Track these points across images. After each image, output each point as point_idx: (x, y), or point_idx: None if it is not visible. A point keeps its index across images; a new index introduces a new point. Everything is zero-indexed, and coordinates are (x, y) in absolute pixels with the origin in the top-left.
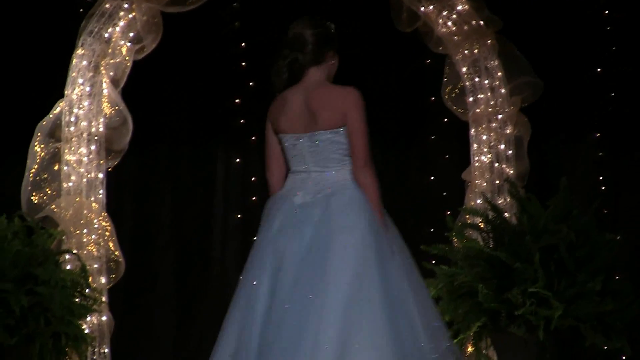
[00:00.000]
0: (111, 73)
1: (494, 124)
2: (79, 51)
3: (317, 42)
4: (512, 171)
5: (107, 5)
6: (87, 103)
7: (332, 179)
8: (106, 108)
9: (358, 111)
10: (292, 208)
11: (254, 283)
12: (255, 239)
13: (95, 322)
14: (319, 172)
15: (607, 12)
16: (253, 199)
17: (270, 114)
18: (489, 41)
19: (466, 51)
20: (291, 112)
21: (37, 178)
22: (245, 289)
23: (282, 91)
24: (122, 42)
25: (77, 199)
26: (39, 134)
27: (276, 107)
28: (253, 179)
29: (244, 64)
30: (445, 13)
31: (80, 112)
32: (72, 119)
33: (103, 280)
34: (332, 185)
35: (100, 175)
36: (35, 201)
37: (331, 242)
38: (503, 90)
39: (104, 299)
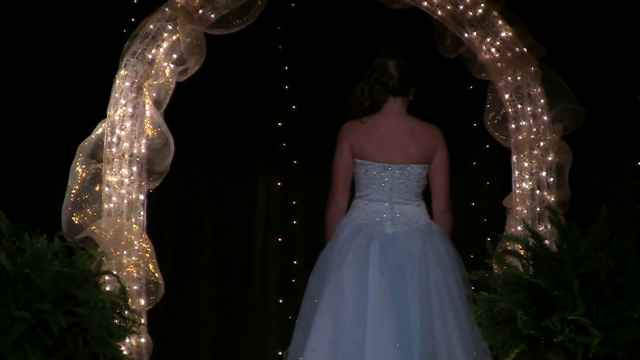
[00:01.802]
0: (154, 94)
1: (535, 151)
2: (122, 72)
3: (404, 75)
4: (553, 198)
5: (151, 27)
6: (129, 124)
7: (416, 212)
8: (148, 129)
9: (446, 151)
10: (385, 237)
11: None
12: (326, 256)
13: (134, 343)
14: (402, 204)
15: None
16: (294, 222)
17: (350, 136)
18: (532, 68)
19: (509, 78)
20: (382, 140)
21: (78, 199)
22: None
23: (361, 116)
24: (165, 64)
25: (118, 220)
26: (80, 155)
27: (360, 131)
28: (294, 202)
29: (286, 87)
30: (488, 39)
31: (122, 133)
32: (114, 139)
33: (142, 302)
34: (419, 220)
35: (141, 197)
36: (76, 222)
37: (432, 278)
38: (545, 118)
39: (143, 320)
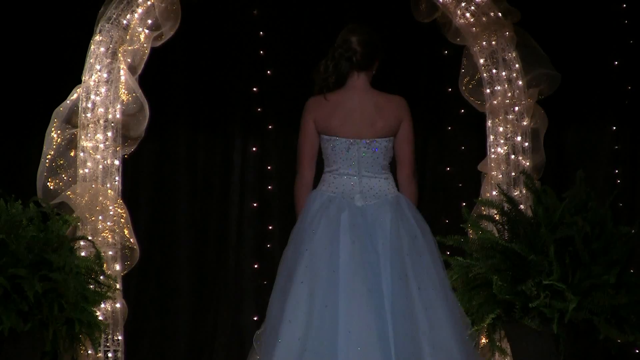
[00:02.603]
0: (129, 60)
1: (510, 116)
2: (97, 37)
3: (366, 49)
4: (528, 163)
5: None
6: (104, 89)
7: (384, 185)
8: (123, 95)
9: (411, 120)
10: (355, 209)
11: (333, 272)
12: (298, 229)
13: (109, 309)
14: (370, 177)
15: (625, 4)
16: (269, 187)
17: (314, 112)
18: (507, 33)
19: (484, 42)
20: (346, 115)
21: (53, 164)
22: (318, 277)
23: (325, 92)
24: (140, 29)
25: (93, 186)
26: (55, 120)
27: (324, 107)
28: (269, 167)
29: (262, 52)
30: (463, 4)
31: (97, 98)
32: (89, 105)
33: (117, 267)
34: (388, 193)
35: (117, 162)
36: (51, 187)
37: (405, 246)
38: (520, 82)
39: (118, 286)
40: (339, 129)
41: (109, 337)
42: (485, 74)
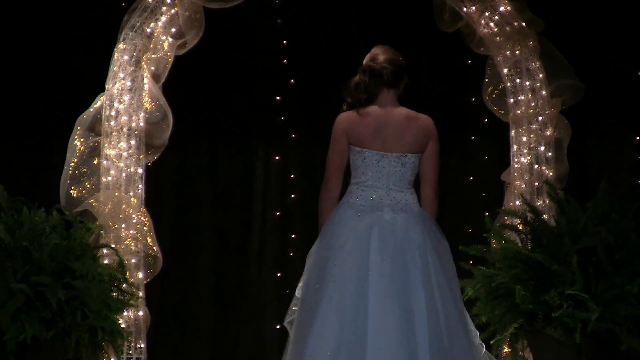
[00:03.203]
0: (152, 68)
1: (534, 126)
2: (121, 45)
3: (395, 68)
4: (551, 173)
5: (149, 0)
6: (128, 97)
7: (410, 200)
8: (147, 103)
9: (438, 140)
10: (384, 222)
11: (361, 286)
12: (324, 239)
13: (131, 317)
14: (397, 190)
15: None
16: (292, 196)
17: (345, 125)
18: (531, 43)
19: (508, 52)
20: (378, 129)
21: (77, 172)
22: (345, 291)
23: (356, 107)
24: (164, 37)
25: (116, 194)
26: (79, 128)
27: (356, 120)
28: (292, 176)
29: (285, 61)
30: (487, 14)
31: (121, 106)
32: (113, 113)
33: (140, 275)
34: (414, 207)
35: (140, 170)
36: (74, 195)
37: (431, 262)
38: (544, 92)
39: (141, 294)
40: (371, 141)
41: (132, 345)
42: (508, 84)
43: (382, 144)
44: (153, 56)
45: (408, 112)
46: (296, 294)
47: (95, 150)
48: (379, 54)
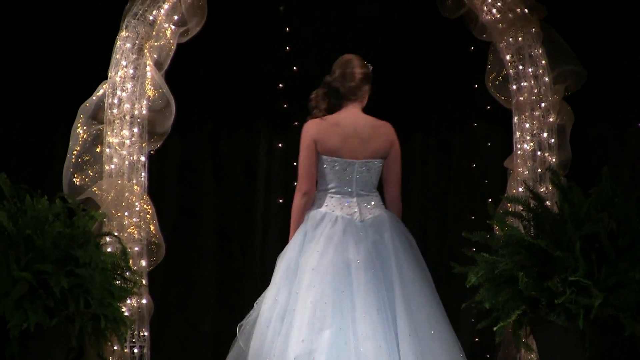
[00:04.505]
0: (155, 56)
1: (537, 112)
2: (123, 33)
3: (358, 82)
4: (554, 159)
5: None
6: (130, 85)
7: (377, 202)
8: (149, 91)
9: (399, 144)
10: (355, 225)
11: (343, 292)
12: (297, 244)
13: (135, 304)
14: (365, 195)
15: None
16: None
17: (314, 133)
18: (533, 29)
19: (510, 39)
20: (344, 137)
21: (79, 160)
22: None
23: (320, 116)
24: (167, 25)
25: (119, 182)
26: (81, 116)
27: (323, 128)
28: (295, 163)
29: (287, 48)
30: (490, 0)
31: (123, 94)
32: (115, 101)
33: (143, 263)
34: (380, 208)
35: (143, 158)
36: (77, 183)
37: (402, 257)
38: (546, 79)
39: (144, 281)
40: (338, 150)
41: (135, 332)
42: (511, 71)
43: (349, 152)
44: (155, 44)
45: (372, 121)
46: (257, 302)
47: (98, 139)
48: (340, 68)
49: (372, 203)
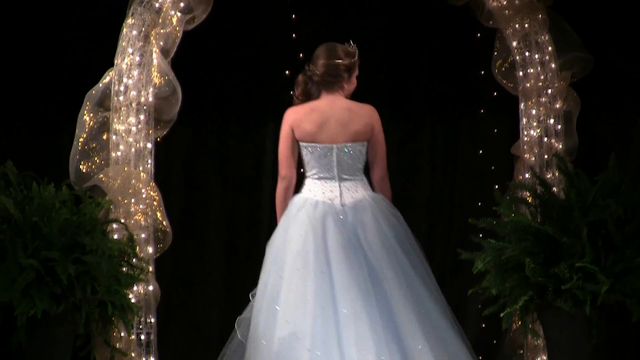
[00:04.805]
0: (161, 43)
1: (543, 99)
2: (129, 20)
3: (330, 73)
4: (561, 146)
5: None
6: (137, 73)
7: (361, 186)
8: (156, 78)
9: (381, 126)
10: (337, 210)
11: (323, 272)
12: (282, 230)
13: (141, 291)
14: (348, 180)
15: None
16: (301, 170)
17: (291, 120)
18: (540, 16)
19: (517, 25)
20: (322, 123)
21: (86, 147)
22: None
23: (302, 102)
24: (173, 12)
25: (126, 169)
26: (88, 103)
27: (301, 117)
28: None
29: (294, 35)
30: None
31: (130, 81)
32: (122, 88)
33: (150, 250)
34: (365, 192)
35: (149, 145)
36: (84, 170)
37: (386, 238)
38: (553, 65)
39: (150, 268)
40: (316, 136)
41: (142, 319)
42: (518, 57)
43: (327, 136)
44: (162, 31)
45: (351, 105)
46: (252, 293)
47: (104, 126)
48: (318, 57)
49: (357, 187)
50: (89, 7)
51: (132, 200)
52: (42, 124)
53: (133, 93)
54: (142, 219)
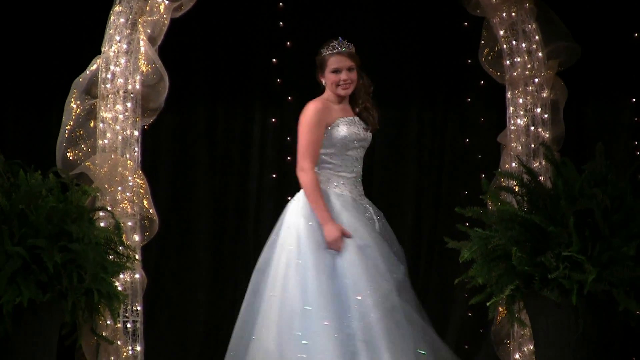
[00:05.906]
0: (148, 30)
1: (530, 88)
2: (117, 8)
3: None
4: (547, 135)
5: None
6: (124, 60)
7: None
8: (143, 65)
9: (302, 123)
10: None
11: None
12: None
13: (128, 279)
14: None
15: None
16: (288, 158)
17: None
18: (527, 4)
19: (504, 14)
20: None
21: (73, 135)
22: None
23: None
24: (160, 0)
25: (112, 156)
26: (75, 91)
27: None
28: (288, 138)
29: (281, 23)
30: None
31: (117, 69)
32: (109, 76)
33: (137, 237)
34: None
35: (136, 133)
36: (70, 158)
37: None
38: (540, 54)
39: (137, 256)
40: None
41: (128, 307)
42: (505, 46)
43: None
44: (149, 19)
45: None
46: None
47: (91, 113)
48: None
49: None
50: None
51: (119, 188)
52: (30, 111)
53: (120, 81)
54: (128, 207)
